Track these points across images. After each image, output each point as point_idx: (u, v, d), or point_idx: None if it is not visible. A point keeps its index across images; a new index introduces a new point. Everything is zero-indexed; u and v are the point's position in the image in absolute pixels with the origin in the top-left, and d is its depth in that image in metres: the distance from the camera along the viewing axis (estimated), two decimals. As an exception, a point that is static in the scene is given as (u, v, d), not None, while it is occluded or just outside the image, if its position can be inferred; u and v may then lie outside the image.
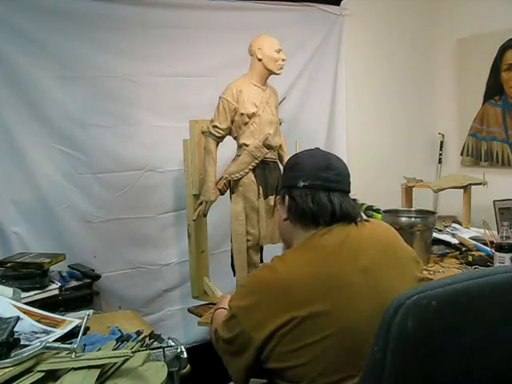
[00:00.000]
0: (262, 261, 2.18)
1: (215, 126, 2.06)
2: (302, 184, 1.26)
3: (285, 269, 1.20)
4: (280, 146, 2.17)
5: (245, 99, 2.02)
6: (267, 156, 2.08)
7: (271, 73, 2.08)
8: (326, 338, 1.11)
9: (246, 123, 2.04)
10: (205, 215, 2.19)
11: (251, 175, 2.07)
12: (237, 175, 2.07)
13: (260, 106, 2.05)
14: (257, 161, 2.06)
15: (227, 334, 1.24)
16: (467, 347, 0.90)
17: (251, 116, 2.03)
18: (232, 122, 2.06)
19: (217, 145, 2.10)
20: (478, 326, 0.91)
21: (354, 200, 1.31)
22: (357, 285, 1.15)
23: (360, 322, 1.11)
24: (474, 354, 0.91)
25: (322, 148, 1.39)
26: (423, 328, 0.86)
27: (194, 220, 2.23)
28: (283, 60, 2.07)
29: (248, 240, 2.09)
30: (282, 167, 2.20)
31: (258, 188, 2.07)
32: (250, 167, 2.06)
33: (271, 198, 2.10)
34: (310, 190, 1.25)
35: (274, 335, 1.12)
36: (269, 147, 2.07)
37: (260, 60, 2.05)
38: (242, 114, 2.03)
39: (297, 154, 1.41)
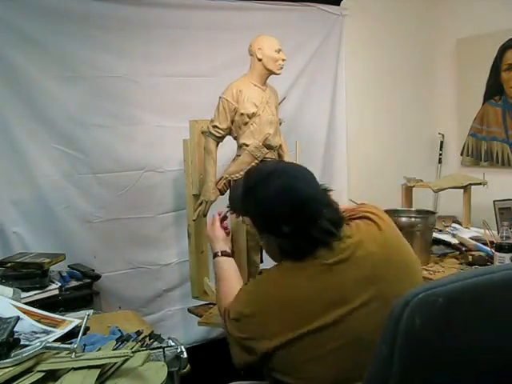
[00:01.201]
0: (262, 261, 2.17)
1: (215, 126, 2.06)
2: None
3: (290, 283, 1.19)
4: (280, 146, 2.17)
5: (245, 99, 2.02)
6: (267, 156, 2.08)
7: (271, 73, 2.08)
8: (334, 350, 1.11)
9: (246, 123, 2.04)
10: (205, 215, 2.19)
11: (251, 175, 2.07)
12: (237, 175, 2.07)
13: (260, 106, 2.05)
14: (257, 161, 2.06)
15: (233, 330, 1.24)
16: (473, 345, 0.89)
17: (251, 116, 2.03)
18: (232, 121, 2.06)
19: (217, 145, 2.10)
20: (484, 323, 0.91)
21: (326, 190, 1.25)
22: (361, 296, 1.14)
23: (369, 332, 1.08)
24: (481, 352, 0.91)
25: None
26: (430, 325, 0.85)
27: (194, 220, 2.23)
28: (283, 60, 2.07)
29: (248, 240, 2.09)
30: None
31: (258, 188, 2.06)
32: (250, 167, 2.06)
33: (271, 198, 2.09)
34: None
35: (281, 349, 1.13)
36: (269, 147, 2.07)
37: (260, 60, 2.05)
38: (242, 113, 2.03)
39: None
